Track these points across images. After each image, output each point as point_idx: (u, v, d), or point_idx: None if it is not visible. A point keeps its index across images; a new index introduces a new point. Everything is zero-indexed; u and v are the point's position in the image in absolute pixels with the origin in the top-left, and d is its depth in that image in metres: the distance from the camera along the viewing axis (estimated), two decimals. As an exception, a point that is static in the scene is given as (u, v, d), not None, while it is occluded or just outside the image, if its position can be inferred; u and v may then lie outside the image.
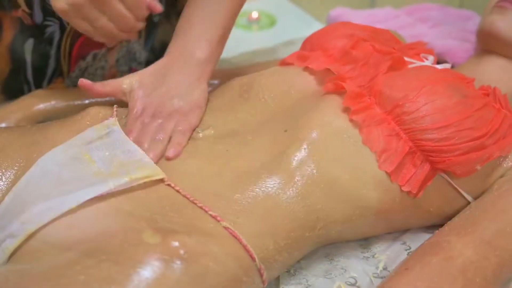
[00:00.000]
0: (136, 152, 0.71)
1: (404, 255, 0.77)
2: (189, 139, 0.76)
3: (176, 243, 0.60)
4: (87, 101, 0.93)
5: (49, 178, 0.67)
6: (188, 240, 0.60)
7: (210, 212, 0.65)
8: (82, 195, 0.63)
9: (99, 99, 0.93)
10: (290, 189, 0.69)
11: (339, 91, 0.76)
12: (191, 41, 0.81)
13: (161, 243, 0.60)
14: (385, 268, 0.76)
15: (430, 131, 0.70)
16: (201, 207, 0.66)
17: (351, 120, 0.73)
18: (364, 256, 0.78)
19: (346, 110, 0.74)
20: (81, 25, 0.76)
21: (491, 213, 0.72)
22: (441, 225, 0.75)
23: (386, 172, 0.71)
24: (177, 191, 0.68)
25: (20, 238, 0.61)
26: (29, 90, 0.97)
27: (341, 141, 0.72)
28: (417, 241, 0.78)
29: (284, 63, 0.88)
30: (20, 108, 0.91)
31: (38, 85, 0.99)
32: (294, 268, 0.75)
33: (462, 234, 0.70)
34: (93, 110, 0.78)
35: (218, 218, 0.65)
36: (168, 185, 0.68)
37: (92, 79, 0.80)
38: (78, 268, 0.57)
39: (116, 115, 0.77)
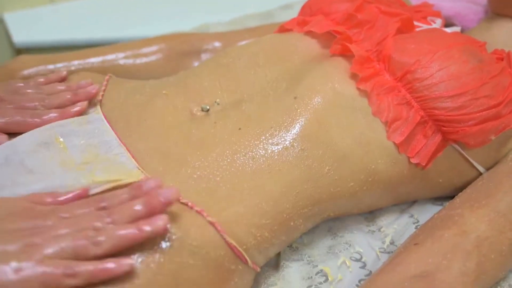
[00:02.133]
0: (112, 147, 0.64)
1: (412, 229, 0.73)
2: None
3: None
4: (73, 68, 0.88)
5: (10, 167, 0.61)
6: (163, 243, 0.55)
7: (196, 208, 0.59)
8: None
9: (86, 66, 0.88)
10: (298, 165, 0.64)
11: (346, 54, 0.71)
12: None
13: None
14: (392, 243, 0.72)
15: (443, 99, 0.66)
16: (186, 204, 0.59)
17: (359, 89, 0.68)
18: (369, 230, 0.74)
19: (354, 76, 0.69)
20: None
21: (506, 185, 0.68)
22: (451, 197, 0.71)
23: (395, 143, 0.67)
24: None
25: None
26: None
27: (351, 111, 0.67)
28: (425, 213, 0.75)
29: (282, 29, 0.82)
30: (3, 74, 0.86)
31: None
32: (296, 243, 0.72)
33: (475, 207, 0.66)
34: (76, 77, 0.73)
35: (204, 214, 0.59)
36: None
37: None
38: None
39: (103, 94, 0.72)
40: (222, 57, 0.76)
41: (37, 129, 0.65)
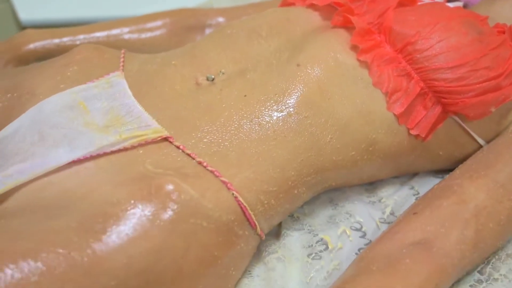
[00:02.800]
0: (132, 108, 0.65)
1: (412, 200, 0.74)
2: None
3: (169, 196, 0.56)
4: (78, 42, 0.89)
5: (36, 124, 0.63)
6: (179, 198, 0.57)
7: (209, 168, 0.60)
8: (62, 157, 0.60)
9: (91, 40, 0.89)
10: (302, 132, 0.65)
11: (347, 26, 0.72)
12: None
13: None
14: (392, 213, 0.73)
15: (443, 70, 0.67)
16: (201, 163, 0.61)
17: (359, 60, 0.69)
18: (370, 201, 0.75)
19: (355, 48, 0.70)
20: None
21: (505, 156, 0.68)
22: (452, 170, 0.72)
23: (395, 114, 0.68)
24: (180, 148, 0.62)
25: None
26: None
27: (352, 81, 0.68)
28: (425, 185, 0.75)
29: (285, 3, 0.83)
30: (9, 48, 0.87)
31: None
32: (297, 213, 0.73)
33: (474, 177, 0.66)
34: (84, 48, 0.74)
35: (216, 173, 0.60)
36: (170, 142, 0.63)
37: None
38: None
39: (123, 64, 0.73)
40: (227, 28, 0.77)
41: (60, 93, 0.66)
